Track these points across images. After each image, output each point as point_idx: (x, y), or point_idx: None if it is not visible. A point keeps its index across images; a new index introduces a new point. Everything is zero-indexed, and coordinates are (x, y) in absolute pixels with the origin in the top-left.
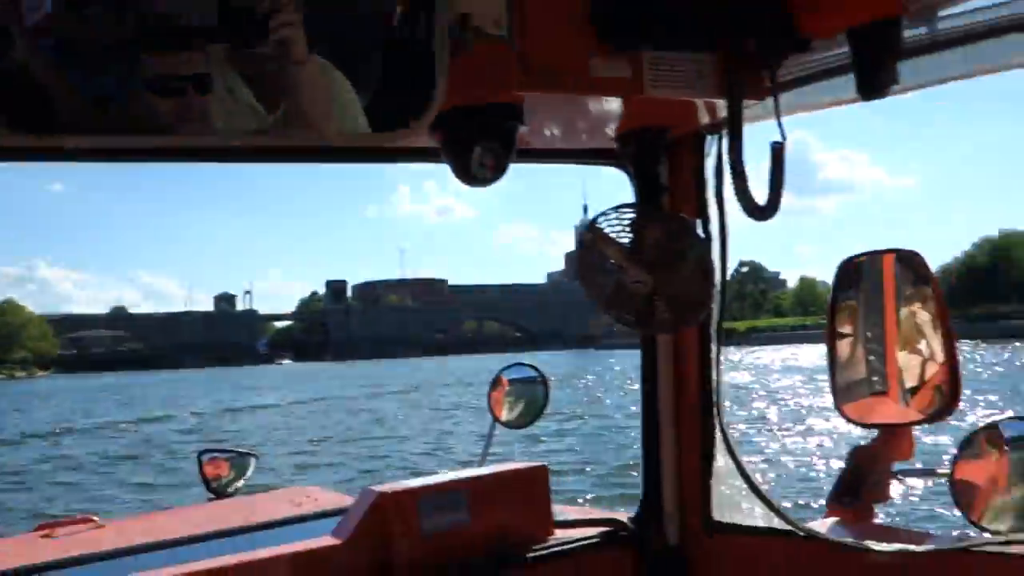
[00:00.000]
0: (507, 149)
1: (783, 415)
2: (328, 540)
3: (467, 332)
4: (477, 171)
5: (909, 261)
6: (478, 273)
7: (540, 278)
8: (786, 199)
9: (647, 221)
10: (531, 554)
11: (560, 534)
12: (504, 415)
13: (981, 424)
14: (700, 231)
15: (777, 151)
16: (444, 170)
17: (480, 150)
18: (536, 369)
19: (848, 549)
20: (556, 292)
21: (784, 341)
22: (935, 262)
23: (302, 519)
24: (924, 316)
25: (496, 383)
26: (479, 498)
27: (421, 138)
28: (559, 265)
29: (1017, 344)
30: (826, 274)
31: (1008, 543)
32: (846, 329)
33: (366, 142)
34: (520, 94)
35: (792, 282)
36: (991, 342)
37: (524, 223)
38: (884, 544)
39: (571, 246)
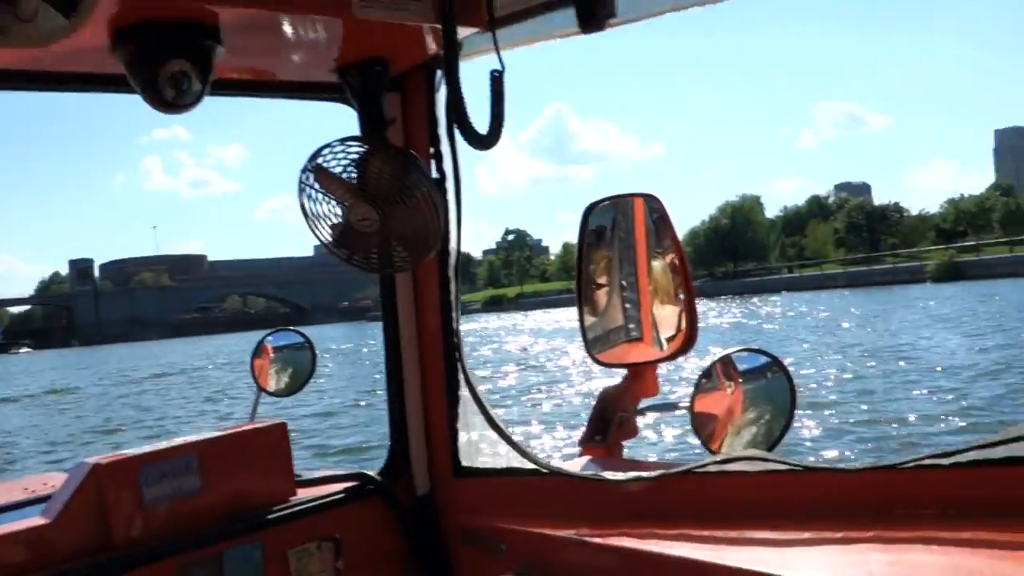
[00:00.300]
0: (204, 72)
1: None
2: (36, 520)
3: (230, 309)
4: (168, 94)
5: (653, 205)
6: (242, 248)
7: (308, 251)
8: (546, 169)
9: (372, 155)
10: (271, 515)
11: (304, 493)
12: (270, 384)
13: (716, 357)
14: (434, 170)
15: (496, 80)
16: (197, 142)
17: (171, 70)
18: (302, 334)
19: (587, 480)
20: (324, 265)
21: (552, 305)
22: (684, 226)
23: (23, 504)
24: (667, 259)
25: (260, 351)
26: (211, 462)
27: (110, 62)
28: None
29: (755, 299)
30: None
31: (725, 462)
32: (602, 280)
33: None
34: (213, 9)
35: (554, 248)
36: (734, 298)
37: (290, 196)
38: (619, 473)
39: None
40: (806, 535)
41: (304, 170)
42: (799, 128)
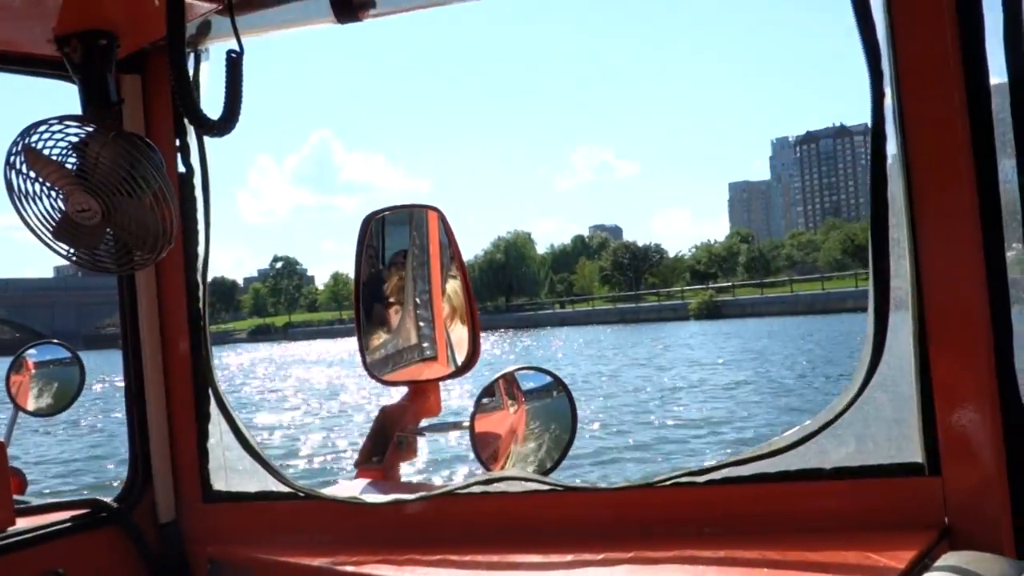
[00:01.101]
0: None
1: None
2: None
3: None
4: None
5: (442, 217)
6: None
7: (46, 272)
8: (311, 198)
9: (94, 138)
10: None
11: (26, 523)
12: (30, 402)
13: (497, 375)
14: (180, 164)
15: (233, 60)
16: None
17: None
18: (68, 348)
19: (346, 504)
20: (68, 288)
21: (325, 335)
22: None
23: None
24: (455, 278)
25: (18, 365)
26: None
27: None
28: None
29: (529, 334)
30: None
31: (487, 483)
32: (394, 298)
33: None
34: None
35: (320, 278)
36: (509, 331)
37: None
38: (378, 496)
39: None
40: (568, 557)
41: (13, 148)
42: (559, 171)
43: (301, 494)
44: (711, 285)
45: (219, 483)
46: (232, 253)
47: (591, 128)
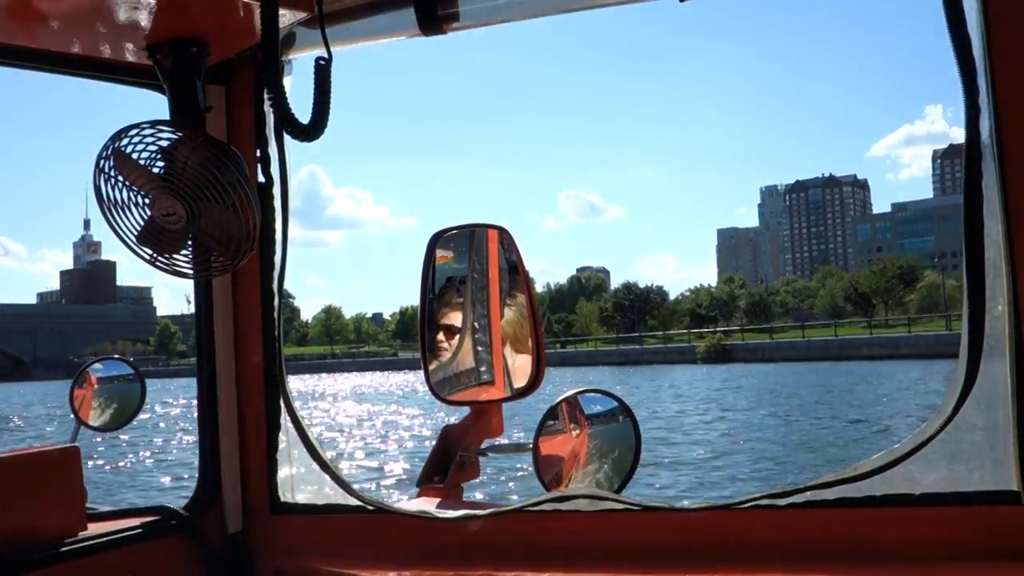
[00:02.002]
0: None
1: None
2: None
3: None
4: None
5: (505, 238)
6: None
7: (29, 298)
8: (296, 231)
9: (183, 143)
10: (52, 552)
11: (97, 528)
12: (92, 418)
13: (560, 397)
14: (260, 174)
15: (322, 68)
16: None
17: None
18: (131, 364)
19: (414, 518)
20: (50, 315)
21: (317, 369)
22: None
23: None
24: (519, 299)
25: (81, 380)
26: None
27: None
28: (53, 284)
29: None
30: (346, 302)
31: (559, 500)
32: (453, 322)
33: None
34: None
35: (304, 311)
36: None
37: (5, 237)
38: (448, 511)
39: (67, 264)
40: (663, 574)
41: (103, 152)
42: (546, 212)
43: (370, 507)
44: (718, 329)
45: (287, 495)
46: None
47: (578, 171)
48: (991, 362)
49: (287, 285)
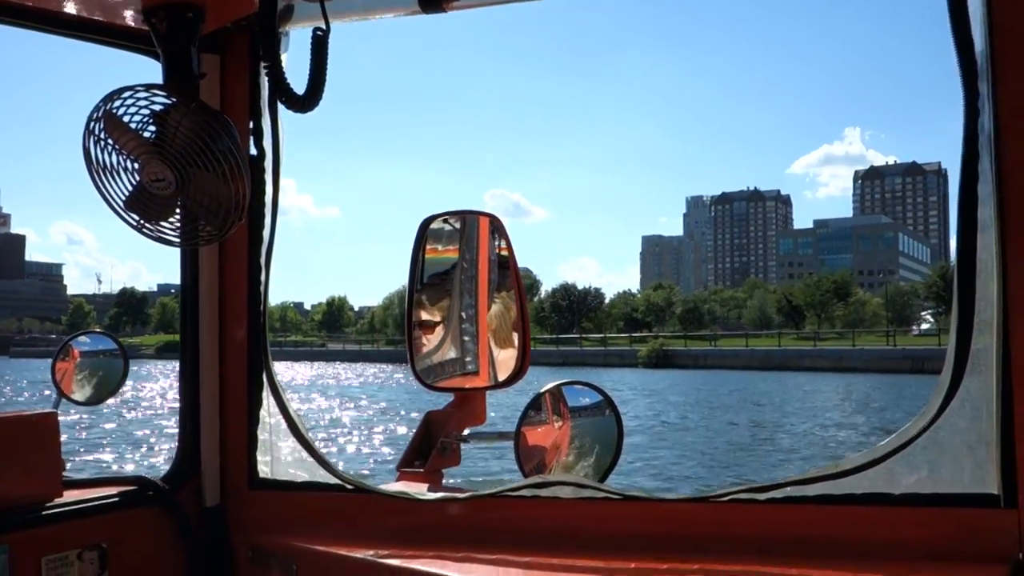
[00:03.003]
0: None
1: None
2: None
3: None
4: None
5: (496, 226)
6: None
7: None
8: None
9: (176, 108)
10: (26, 517)
11: (73, 495)
12: (74, 391)
13: (544, 388)
14: (252, 146)
15: (319, 39)
16: None
17: None
18: (114, 339)
19: (393, 499)
20: None
21: None
22: (379, 295)
23: None
24: (507, 288)
25: (64, 353)
26: None
27: None
28: None
29: None
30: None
31: (540, 486)
32: (438, 308)
33: None
34: None
35: None
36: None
37: None
38: (428, 493)
39: None
40: (631, 565)
41: (94, 114)
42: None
43: (349, 487)
44: (660, 334)
45: (266, 471)
46: (129, 266)
47: (504, 170)
48: (977, 365)
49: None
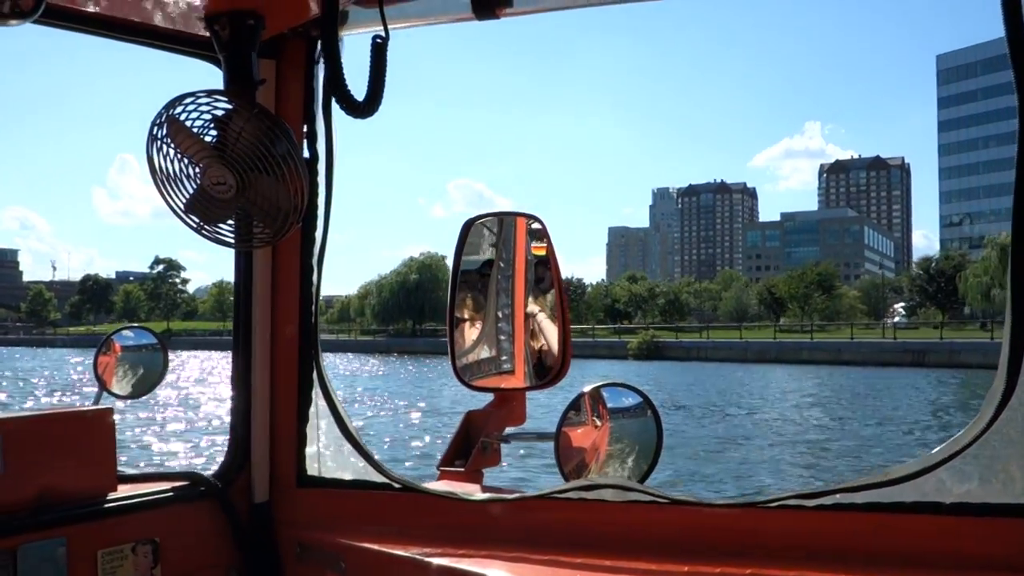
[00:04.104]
0: None
1: None
2: None
3: None
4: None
5: (534, 226)
6: None
7: None
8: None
9: (238, 114)
10: (82, 510)
11: (127, 489)
12: (115, 385)
13: (583, 390)
14: (306, 149)
15: (379, 46)
16: None
17: None
18: (155, 333)
19: (441, 498)
20: None
21: (210, 346)
22: (362, 278)
23: None
24: (548, 288)
25: (106, 347)
26: (18, 444)
27: None
28: None
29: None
30: (226, 278)
31: (588, 488)
32: (477, 307)
33: None
34: None
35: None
36: (414, 356)
37: None
38: (476, 493)
39: None
40: (684, 568)
41: (157, 120)
42: (436, 199)
43: (396, 485)
44: (651, 325)
45: (314, 468)
46: (83, 253)
47: (469, 160)
48: None
49: (151, 258)
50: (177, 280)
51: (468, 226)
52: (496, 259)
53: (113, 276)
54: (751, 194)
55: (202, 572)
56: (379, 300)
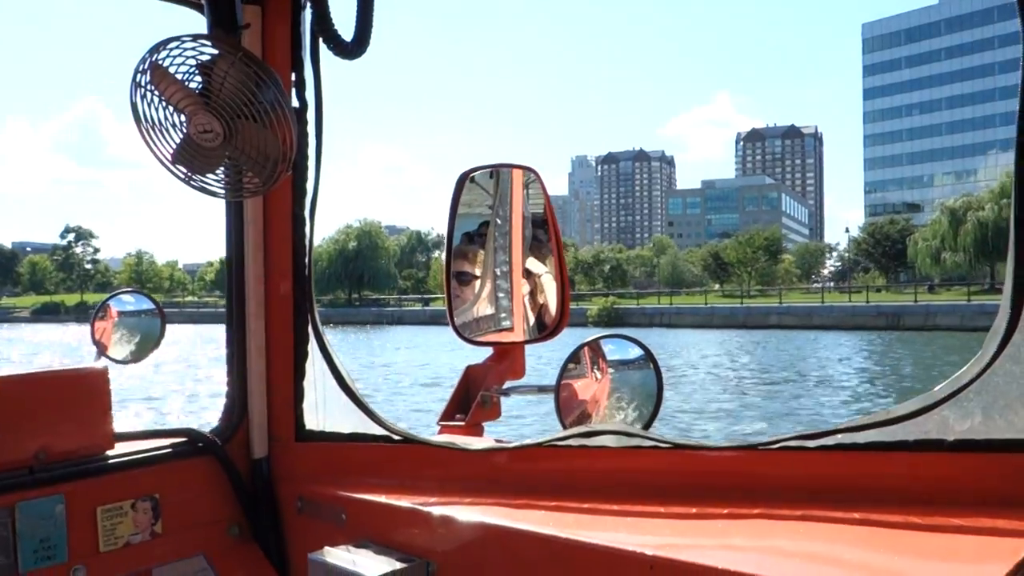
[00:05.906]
0: None
1: None
2: None
3: None
4: None
5: (530, 178)
6: None
7: None
8: (72, 171)
9: (222, 59)
10: (80, 467)
11: (124, 447)
12: (113, 349)
13: (583, 342)
14: (295, 99)
15: None
16: None
17: None
18: (151, 298)
19: (440, 449)
20: None
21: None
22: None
23: None
24: (544, 240)
25: (103, 312)
26: (13, 402)
27: None
28: None
29: (385, 332)
30: (157, 250)
31: (588, 435)
32: (473, 264)
33: None
34: None
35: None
36: (356, 327)
37: None
38: (475, 441)
39: None
40: (692, 510)
41: (140, 66)
42: (348, 166)
43: (396, 437)
44: (611, 292)
45: (312, 423)
46: None
47: (382, 126)
48: None
49: (48, 229)
50: (89, 250)
51: (463, 179)
52: (492, 215)
53: (10, 245)
54: (669, 162)
55: (203, 527)
56: (317, 269)
